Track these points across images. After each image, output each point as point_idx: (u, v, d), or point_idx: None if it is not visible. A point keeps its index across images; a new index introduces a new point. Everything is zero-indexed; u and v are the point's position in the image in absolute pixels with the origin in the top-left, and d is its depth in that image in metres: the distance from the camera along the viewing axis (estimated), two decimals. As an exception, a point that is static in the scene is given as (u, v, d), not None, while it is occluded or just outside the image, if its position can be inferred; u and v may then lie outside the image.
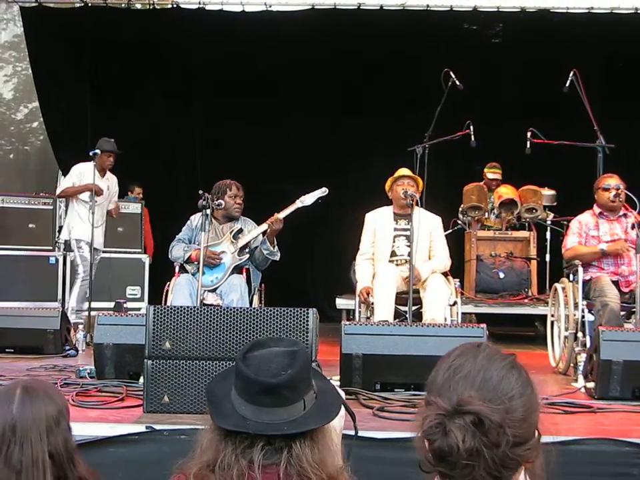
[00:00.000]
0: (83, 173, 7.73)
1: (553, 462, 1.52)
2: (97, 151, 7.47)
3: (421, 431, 1.45)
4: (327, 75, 10.33)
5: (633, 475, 3.55)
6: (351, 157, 10.65)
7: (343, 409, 2.03)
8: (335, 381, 4.80)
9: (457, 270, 8.06)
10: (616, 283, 5.90)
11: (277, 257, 6.13)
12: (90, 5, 10.54)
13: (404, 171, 6.42)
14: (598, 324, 5.44)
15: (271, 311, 4.00)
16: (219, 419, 1.78)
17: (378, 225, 6.32)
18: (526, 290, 8.29)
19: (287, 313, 3.96)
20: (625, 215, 6.16)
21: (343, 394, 2.10)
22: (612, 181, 6.22)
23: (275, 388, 1.73)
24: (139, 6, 10.88)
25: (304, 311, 3.96)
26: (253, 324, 3.95)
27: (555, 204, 8.81)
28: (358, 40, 10.15)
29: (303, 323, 3.95)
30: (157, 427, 3.64)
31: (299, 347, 1.82)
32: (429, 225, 6.23)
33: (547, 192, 8.73)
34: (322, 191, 6.21)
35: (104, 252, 8.09)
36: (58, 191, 8.00)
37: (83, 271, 7.59)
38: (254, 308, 4.78)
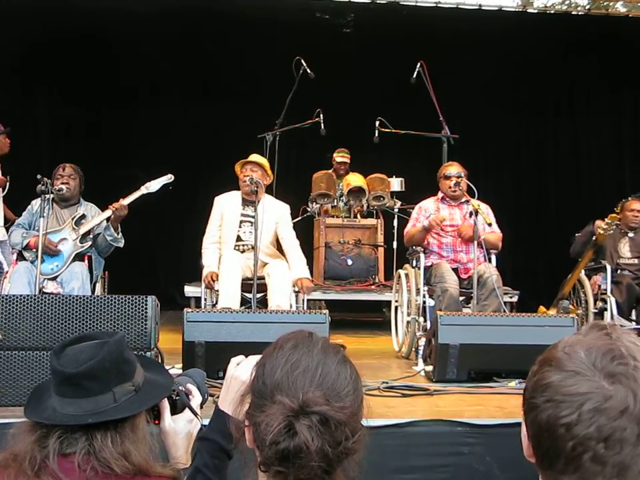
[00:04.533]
0: None
1: (367, 446, 1.54)
2: None
3: (259, 429, 1.43)
4: (180, 60, 10.18)
5: (463, 453, 3.69)
6: (202, 143, 10.54)
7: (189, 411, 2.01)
8: (178, 369, 4.75)
9: (305, 257, 8.15)
10: (455, 270, 6.12)
11: (121, 244, 6.00)
12: None
13: (252, 157, 6.38)
14: (438, 309, 5.62)
15: (108, 298, 3.91)
16: (29, 411, 1.74)
17: (225, 208, 6.27)
18: (373, 277, 8.44)
19: (125, 300, 3.88)
20: (466, 202, 6.37)
21: (197, 397, 2.06)
22: (453, 170, 6.42)
23: (74, 378, 1.67)
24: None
25: (142, 299, 3.89)
26: (90, 312, 3.85)
27: (403, 190, 8.99)
28: (211, 25, 10.07)
29: (142, 310, 3.87)
30: (-15, 420, 3.48)
31: (113, 339, 1.76)
32: (275, 214, 6.23)
33: (395, 180, 8.90)
34: (167, 178, 6.12)
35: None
36: None
37: None
38: (91, 296, 4.65)
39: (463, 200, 6.38)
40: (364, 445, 1.48)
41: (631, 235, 7.36)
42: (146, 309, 3.88)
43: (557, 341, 1.25)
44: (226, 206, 6.29)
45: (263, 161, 6.46)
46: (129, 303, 3.88)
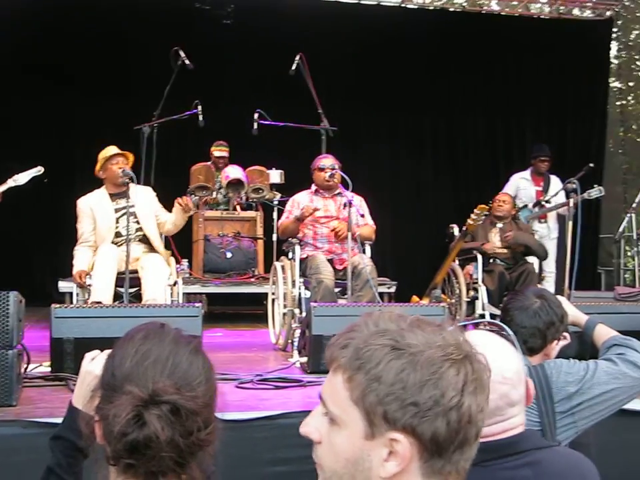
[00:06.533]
0: None
1: (223, 440, 1.53)
2: None
3: (107, 421, 1.40)
4: (52, 50, 9.89)
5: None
6: (78, 137, 10.29)
7: None
8: (46, 367, 4.62)
9: (185, 250, 8.08)
10: (331, 261, 6.17)
11: None
12: None
13: (114, 149, 6.25)
14: (313, 300, 5.65)
15: (-34, 295, 3.76)
16: None
17: (95, 208, 6.13)
18: (252, 269, 8.42)
19: (-15, 297, 3.74)
20: (339, 194, 6.44)
21: None
22: (327, 161, 6.48)
23: None
24: None
25: (4, 295, 3.75)
26: (-52, 310, 3.70)
27: (283, 182, 8.98)
28: (84, 12, 9.86)
29: (3, 307, 3.74)
30: None
31: None
32: (146, 199, 6.20)
33: (274, 172, 8.89)
34: (37, 170, 5.96)
35: None
36: None
37: None
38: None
39: (337, 192, 6.45)
40: (219, 438, 1.48)
41: (500, 225, 7.61)
42: (8, 305, 3.75)
43: None
44: (95, 205, 6.15)
45: (125, 151, 6.37)
46: (-11, 299, 3.74)
